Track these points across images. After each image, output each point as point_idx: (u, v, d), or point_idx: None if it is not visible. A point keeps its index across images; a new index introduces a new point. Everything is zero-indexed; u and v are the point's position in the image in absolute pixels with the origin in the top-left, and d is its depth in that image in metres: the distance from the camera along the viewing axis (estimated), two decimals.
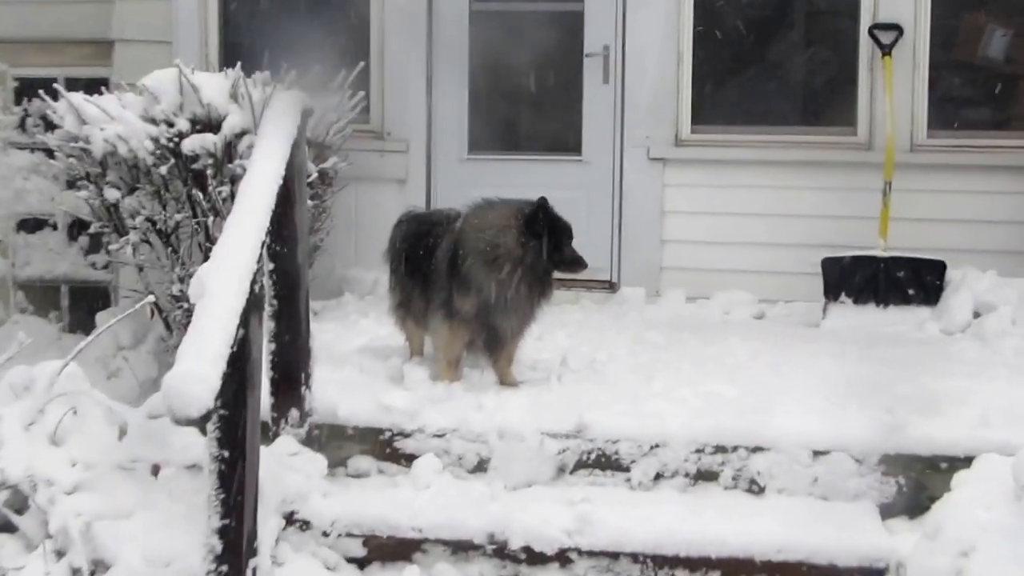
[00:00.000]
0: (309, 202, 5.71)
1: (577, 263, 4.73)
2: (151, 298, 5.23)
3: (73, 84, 6.51)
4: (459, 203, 5.08)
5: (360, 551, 3.99)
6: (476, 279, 4.60)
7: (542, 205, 4.63)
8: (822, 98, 6.91)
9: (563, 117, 7.14)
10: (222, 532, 3.49)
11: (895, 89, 6.48)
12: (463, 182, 7.07)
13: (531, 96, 7.23)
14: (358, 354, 5.23)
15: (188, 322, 3.33)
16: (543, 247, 4.63)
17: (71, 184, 6.32)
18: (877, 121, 6.62)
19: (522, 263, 4.61)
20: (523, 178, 6.91)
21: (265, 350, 3.98)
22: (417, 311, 4.97)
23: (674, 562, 3.75)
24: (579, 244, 4.80)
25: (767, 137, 6.83)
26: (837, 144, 6.73)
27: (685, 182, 6.89)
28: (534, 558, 3.86)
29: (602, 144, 7.03)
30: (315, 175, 6.04)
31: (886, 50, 6.52)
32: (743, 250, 6.84)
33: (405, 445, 4.37)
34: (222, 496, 3.43)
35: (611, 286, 7.01)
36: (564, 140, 7.14)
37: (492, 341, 4.75)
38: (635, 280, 6.96)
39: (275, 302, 4.13)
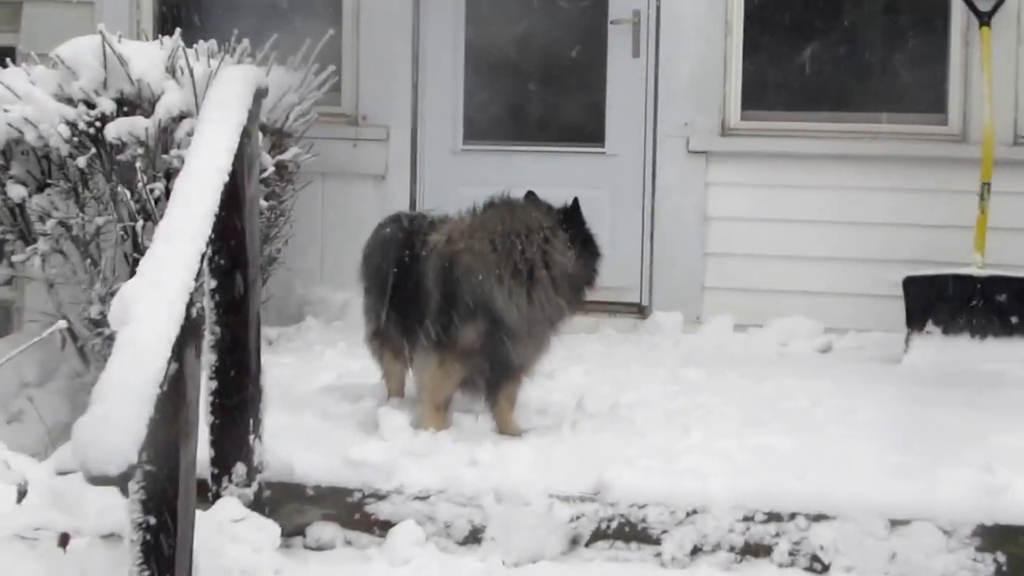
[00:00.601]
0: (263, 203, 5.69)
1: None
2: (63, 323, 5.19)
3: None
4: (452, 203, 5.08)
5: None
6: (495, 298, 4.59)
7: (577, 202, 4.68)
8: (904, 78, 6.87)
9: (583, 99, 7.12)
10: None
11: (995, 67, 6.45)
12: (457, 178, 7.09)
13: (543, 73, 7.24)
14: (322, 395, 5.21)
15: (109, 354, 3.28)
16: (592, 255, 4.70)
17: None
18: (972, 107, 6.66)
19: (567, 277, 4.66)
20: (532, 174, 6.68)
21: (204, 390, 4.00)
22: (398, 341, 4.94)
23: None
24: (605, 255, 4.82)
25: (836, 126, 6.84)
26: (922, 135, 6.74)
27: (734, 180, 6.88)
28: None
29: (631, 133, 7.01)
30: (271, 169, 6.02)
31: (984, 19, 6.50)
32: (805, 266, 6.80)
33: (379, 510, 4.33)
34: (147, 573, 3.38)
35: (640, 310, 7.00)
36: (584, 128, 7.11)
37: (497, 378, 4.75)
38: (670, 303, 6.92)
39: (218, 329, 4.13)
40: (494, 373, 4.74)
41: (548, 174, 6.92)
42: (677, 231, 6.96)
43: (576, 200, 4.73)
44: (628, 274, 6.99)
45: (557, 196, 4.79)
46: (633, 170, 7.05)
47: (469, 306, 4.62)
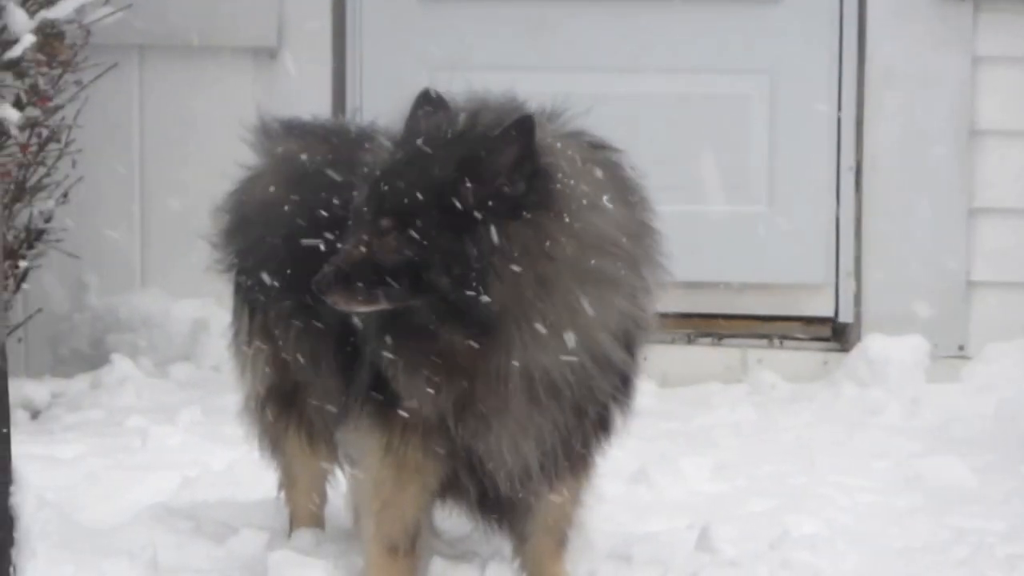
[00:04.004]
0: (10, 114, 6.19)
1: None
2: None
3: None
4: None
5: None
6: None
7: (528, 121, 4.21)
8: None
9: None
10: None
11: None
12: (431, 54, 7.00)
13: None
14: (147, 524, 5.07)
15: None
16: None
17: None
18: None
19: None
20: (588, 42, 6.92)
21: None
22: (320, 410, 4.86)
23: None
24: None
25: None
26: None
27: None
28: None
29: None
30: (29, 40, 6.15)
31: None
32: None
33: None
34: None
35: (836, 333, 6.86)
36: None
37: (496, 488, 4.54)
38: (898, 318, 6.71)
39: None
40: (480, 481, 4.56)
41: (622, 42, 6.96)
42: (910, 163, 6.76)
43: (522, 120, 4.14)
44: (805, 259, 6.85)
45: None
46: (813, 30, 6.92)
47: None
